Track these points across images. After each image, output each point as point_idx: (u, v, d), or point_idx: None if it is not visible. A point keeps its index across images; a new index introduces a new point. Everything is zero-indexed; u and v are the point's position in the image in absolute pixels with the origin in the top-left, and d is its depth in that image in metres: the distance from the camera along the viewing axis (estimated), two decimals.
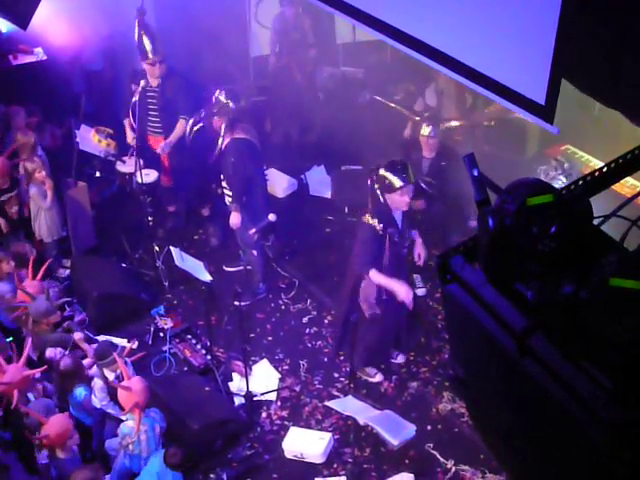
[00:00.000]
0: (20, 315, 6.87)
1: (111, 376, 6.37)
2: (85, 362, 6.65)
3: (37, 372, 6.11)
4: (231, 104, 7.54)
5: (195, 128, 8.07)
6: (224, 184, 7.83)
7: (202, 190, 8.96)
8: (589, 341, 2.17)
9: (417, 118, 8.67)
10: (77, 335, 6.85)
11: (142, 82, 8.14)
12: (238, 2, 10.30)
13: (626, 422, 2.07)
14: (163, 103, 8.42)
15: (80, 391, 6.34)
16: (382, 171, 6.49)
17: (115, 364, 6.30)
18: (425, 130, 7.91)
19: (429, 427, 6.87)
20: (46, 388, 6.43)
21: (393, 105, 8.91)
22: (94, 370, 6.52)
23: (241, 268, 7.92)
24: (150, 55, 8.23)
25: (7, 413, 5.98)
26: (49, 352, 6.72)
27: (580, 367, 2.18)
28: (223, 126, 7.61)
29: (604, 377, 2.14)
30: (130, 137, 8.54)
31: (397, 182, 6.43)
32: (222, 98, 7.56)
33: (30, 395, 6.17)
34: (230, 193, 7.77)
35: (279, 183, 9.45)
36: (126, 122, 8.55)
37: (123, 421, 6.05)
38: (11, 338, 6.89)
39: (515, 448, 2.79)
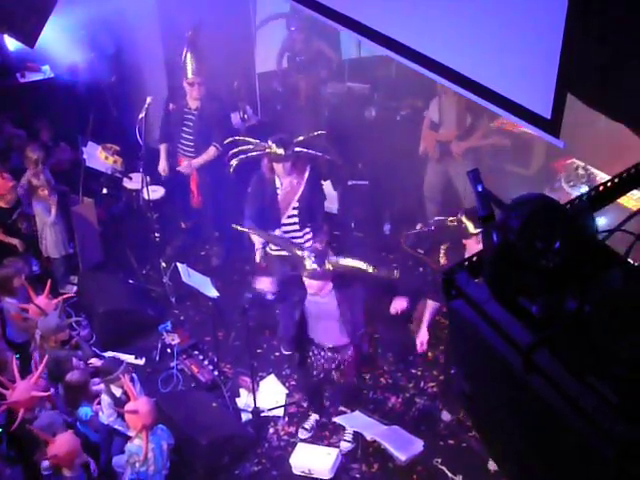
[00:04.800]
0: (29, 328, 6.91)
1: (118, 392, 6.37)
2: (96, 380, 6.67)
3: (45, 395, 6.09)
4: (281, 151, 7.14)
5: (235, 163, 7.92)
6: (290, 221, 7.44)
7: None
8: (594, 356, 2.17)
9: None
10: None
11: (148, 99, 8.12)
12: (244, 18, 10.34)
13: (632, 436, 2.06)
14: (200, 127, 8.37)
15: (86, 410, 6.34)
16: (461, 215, 6.32)
17: (122, 380, 6.31)
18: (309, 264, 6.24)
19: (437, 442, 6.85)
20: (56, 406, 6.43)
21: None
22: (101, 386, 6.53)
23: None
24: (190, 75, 8.20)
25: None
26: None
27: (586, 382, 2.17)
28: (288, 166, 7.24)
29: (610, 392, 2.13)
30: (163, 166, 8.59)
31: (472, 228, 6.20)
32: (274, 147, 7.13)
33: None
34: (306, 231, 7.49)
35: None
36: (162, 148, 8.56)
37: (130, 437, 6.05)
38: (18, 354, 6.92)
39: (522, 463, 2.79)
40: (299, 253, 6.30)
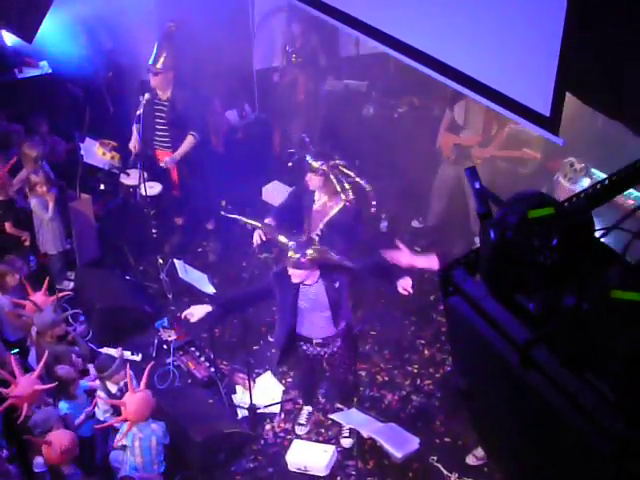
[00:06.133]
0: (24, 325, 6.91)
1: (113, 389, 6.37)
2: (92, 376, 6.68)
3: (49, 387, 6.10)
4: (314, 164, 6.96)
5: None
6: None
7: (208, 204, 8.94)
8: (592, 353, 2.17)
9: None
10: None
11: (146, 95, 8.14)
12: (242, 15, 10.34)
13: (631, 435, 2.06)
14: (172, 117, 8.37)
15: (62, 406, 6.34)
16: None
17: (117, 377, 6.32)
18: (292, 253, 6.19)
19: (433, 440, 6.86)
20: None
21: None
22: (97, 383, 6.53)
23: None
24: (159, 65, 8.16)
25: (12, 424, 5.98)
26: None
27: (583, 379, 2.18)
28: (316, 181, 7.03)
29: (607, 389, 2.13)
30: (133, 142, 8.52)
31: None
32: (314, 164, 6.96)
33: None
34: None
35: (282, 195, 9.45)
36: (134, 128, 8.47)
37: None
38: (17, 350, 6.92)
39: (518, 460, 2.79)
40: (284, 241, 6.28)
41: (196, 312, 6.45)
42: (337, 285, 6.32)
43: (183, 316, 6.55)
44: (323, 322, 6.44)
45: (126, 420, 5.86)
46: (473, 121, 8.34)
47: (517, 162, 8.81)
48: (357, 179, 6.93)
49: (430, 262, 5.79)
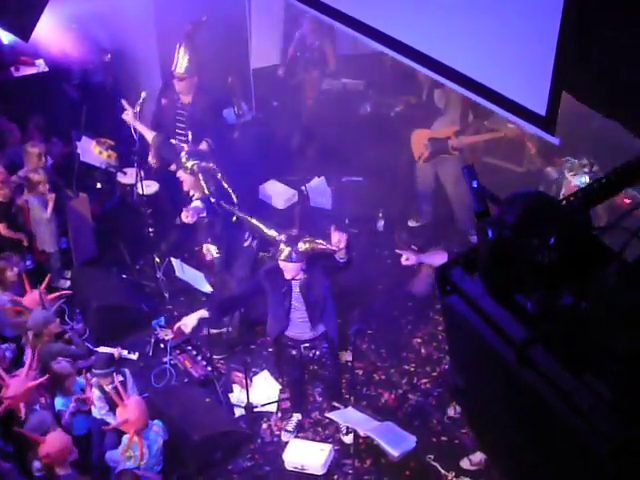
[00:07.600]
0: (21, 325, 6.92)
1: (108, 387, 6.36)
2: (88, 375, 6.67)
3: (40, 382, 6.08)
4: (195, 167, 7.24)
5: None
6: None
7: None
8: (590, 352, 2.17)
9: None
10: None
11: (143, 94, 8.07)
12: (239, 13, 10.32)
13: (627, 435, 2.06)
14: (193, 121, 8.31)
15: (58, 402, 6.33)
16: None
17: (112, 376, 6.31)
18: (284, 247, 6.24)
19: (430, 438, 6.86)
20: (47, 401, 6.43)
21: None
22: (93, 380, 6.53)
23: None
24: (181, 70, 8.08)
25: (9, 424, 5.97)
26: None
27: (581, 379, 2.17)
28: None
29: (605, 389, 2.13)
30: (153, 156, 8.44)
31: None
32: (186, 163, 7.23)
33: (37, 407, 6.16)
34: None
35: (280, 194, 9.46)
36: (152, 138, 8.28)
37: (123, 432, 6.06)
38: (12, 344, 6.92)
39: (515, 459, 2.79)
40: (274, 235, 6.33)
41: (189, 322, 6.51)
42: (312, 280, 6.32)
43: (176, 328, 6.57)
44: (306, 322, 6.47)
45: (136, 433, 5.86)
46: (453, 107, 8.33)
47: (513, 161, 8.84)
48: (225, 184, 7.19)
49: (437, 258, 5.94)
